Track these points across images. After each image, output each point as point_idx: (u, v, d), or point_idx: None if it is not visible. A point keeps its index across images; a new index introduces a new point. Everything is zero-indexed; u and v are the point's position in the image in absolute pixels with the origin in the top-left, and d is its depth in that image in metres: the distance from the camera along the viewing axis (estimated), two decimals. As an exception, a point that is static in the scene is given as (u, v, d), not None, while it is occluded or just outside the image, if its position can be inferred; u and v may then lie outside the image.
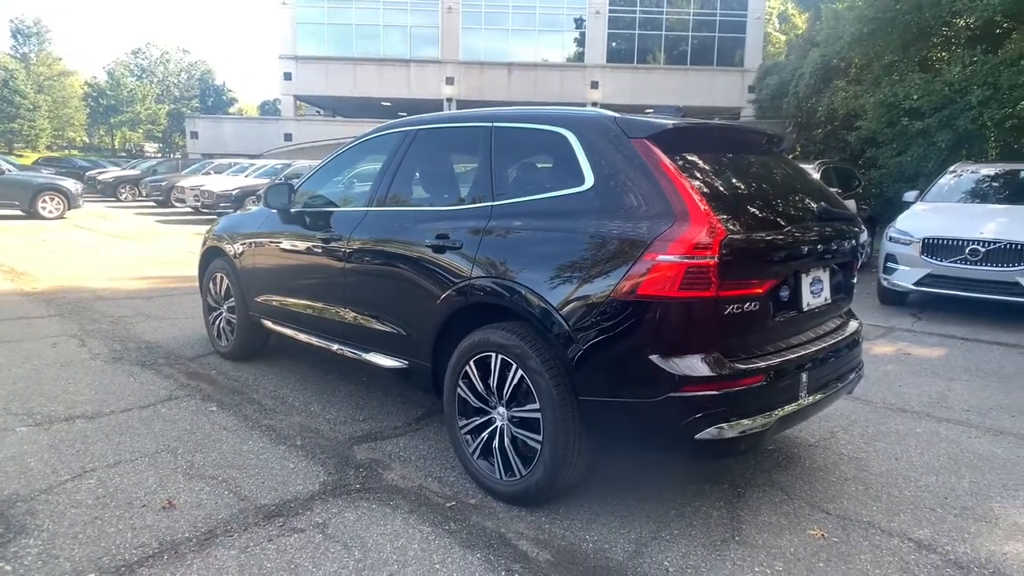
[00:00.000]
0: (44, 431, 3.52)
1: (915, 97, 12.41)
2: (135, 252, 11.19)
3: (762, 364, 2.51)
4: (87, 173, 28.34)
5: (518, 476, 2.77)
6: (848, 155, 16.21)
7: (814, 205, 2.99)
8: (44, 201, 16.51)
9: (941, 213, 7.74)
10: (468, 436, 2.98)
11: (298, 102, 38.19)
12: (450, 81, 33.25)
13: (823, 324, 2.99)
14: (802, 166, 3.59)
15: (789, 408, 2.59)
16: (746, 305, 2.45)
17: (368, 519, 2.72)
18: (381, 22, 33.72)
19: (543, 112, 3.06)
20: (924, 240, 7.16)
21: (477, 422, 2.94)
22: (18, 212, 16.51)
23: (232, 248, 4.68)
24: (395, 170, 3.54)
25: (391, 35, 33.95)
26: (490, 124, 3.18)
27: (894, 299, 7.70)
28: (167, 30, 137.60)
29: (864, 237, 3.35)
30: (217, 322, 4.99)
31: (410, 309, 3.25)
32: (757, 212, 2.63)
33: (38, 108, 48.29)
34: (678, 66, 33.83)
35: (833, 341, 2.92)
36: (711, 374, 2.38)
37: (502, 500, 2.86)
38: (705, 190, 2.51)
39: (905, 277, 7.29)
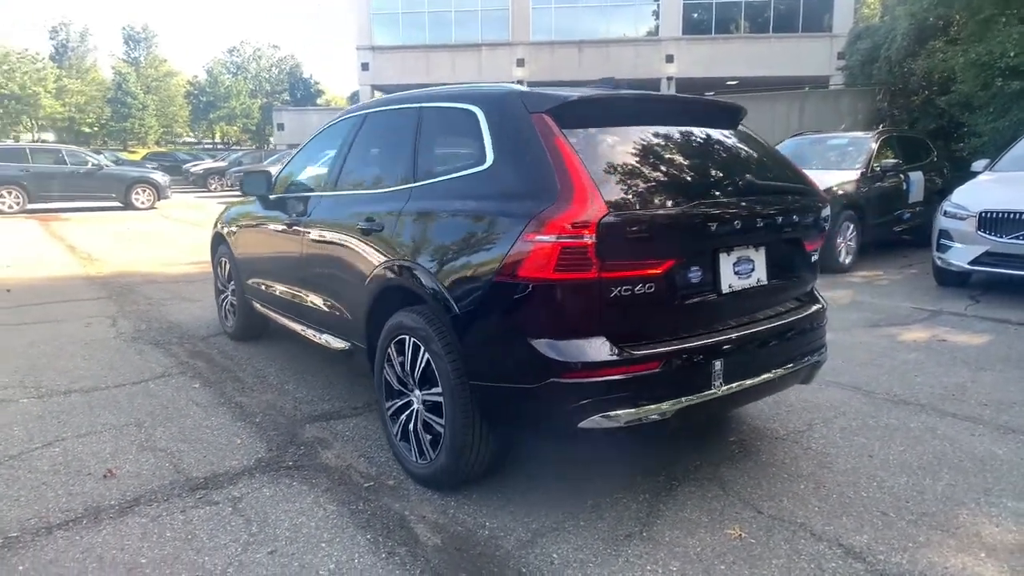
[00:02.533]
0: (41, 402, 3.82)
1: (1012, 54, 11.19)
2: (201, 238, 11.88)
3: (660, 350, 2.37)
4: (184, 166, 30.35)
5: (428, 460, 2.76)
6: (947, 122, 14.84)
7: (753, 179, 2.77)
8: (137, 193, 17.83)
9: (1006, 184, 6.97)
10: (391, 418, 2.99)
11: (376, 92, 39.21)
12: (520, 63, 33.12)
13: (761, 307, 2.78)
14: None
15: (696, 398, 2.43)
16: (638, 287, 2.30)
17: (282, 496, 2.79)
18: (453, 8, 33.97)
19: (459, 90, 3.00)
20: (981, 214, 6.49)
21: (398, 404, 2.95)
22: (116, 203, 17.91)
23: (230, 235, 4.90)
24: (344, 154, 3.59)
25: (463, 20, 34.16)
26: (418, 105, 3.15)
27: (951, 279, 7.03)
28: (259, 27, 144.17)
29: (826, 212, 3.02)
30: (224, 304, 5.24)
31: (348, 291, 3.30)
32: (662, 188, 2.45)
33: (147, 107, 52.05)
34: (760, 34, 32.13)
35: (769, 326, 2.71)
36: (594, 360, 2.27)
37: (418, 483, 2.86)
38: (601, 166, 2.38)
39: (960, 255, 6.64)
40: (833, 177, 8.07)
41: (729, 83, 32.58)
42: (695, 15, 32.50)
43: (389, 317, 2.95)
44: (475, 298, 2.45)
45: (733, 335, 2.57)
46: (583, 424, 2.29)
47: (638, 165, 2.49)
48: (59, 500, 2.74)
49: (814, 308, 2.99)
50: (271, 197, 4.26)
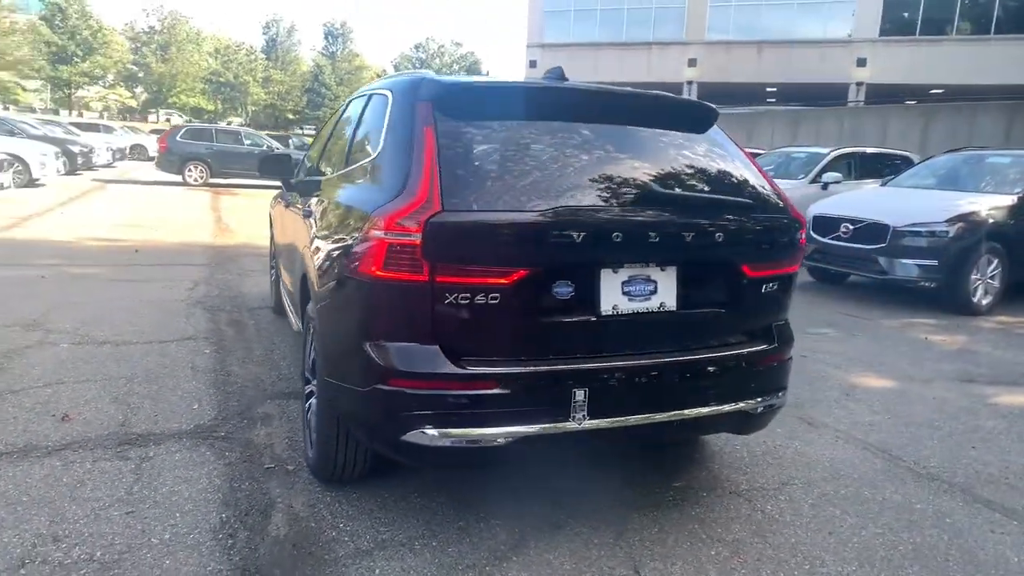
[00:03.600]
0: (75, 349, 4.30)
1: None
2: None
3: (502, 370, 2.12)
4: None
5: (311, 452, 2.73)
6: None
7: (682, 190, 2.39)
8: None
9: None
10: (305, 404, 2.99)
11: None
12: (692, 63, 31.85)
13: (671, 338, 2.38)
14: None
15: (545, 429, 2.15)
16: (479, 297, 2.07)
17: (186, 462, 2.89)
18: (625, 5, 33.48)
19: (392, 76, 2.90)
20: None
21: (306, 392, 2.94)
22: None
23: (270, 214, 5.20)
24: (327, 139, 3.64)
25: (634, 18, 33.55)
26: (369, 90, 3.10)
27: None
28: (447, 25, 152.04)
29: (792, 235, 2.52)
30: (271, 279, 5.58)
31: (295, 276, 3.34)
32: (531, 190, 2.16)
33: (339, 98, 57.17)
34: (977, 36, 28.05)
35: (670, 360, 2.32)
36: (420, 370, 2.09)
37: (310, 472, 2.83)
38: (465, 161, 2.17)
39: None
40: (980, 202, 6.86)
41: (933, 91, 28.86)
42: (904, 14, 29.11)
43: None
44: (329, 292, 2.38)
45: (610, 364, 2.23)
46: (406, 437, 2.12)
47: (513, 163, 2.24)
48: (12, 433, 3.06)
49: (758, 347, 2.52)
50: (291, 181, 4.44)
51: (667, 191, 2.33)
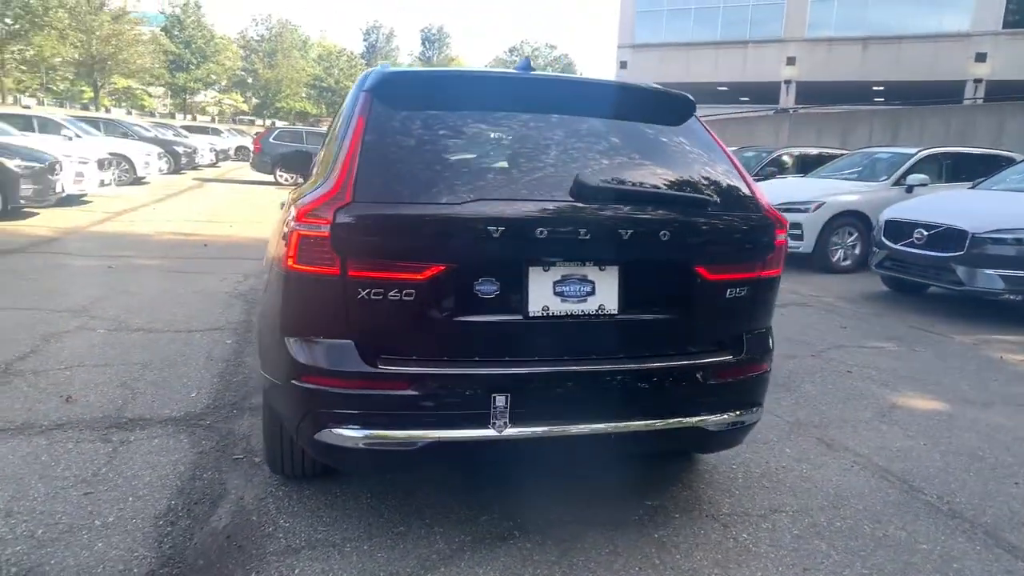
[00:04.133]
0: (110, 335, 4.55)
1: None
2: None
3: (413, 370, 2.01)
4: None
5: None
6: None
7: (634, 185, 2.20)
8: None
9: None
10: None
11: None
12: (791, 61, 30.38)
13: (617, 343, 2.19)
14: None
15: (460, 435, 2.02)
16: (393, 293, 1.97)
17: (161, 448, 2.96)
18: (721, 4, 32.44)
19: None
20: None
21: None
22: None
23: None
24: (327, 134, 3.65)
25: (730, 16, 32.44)
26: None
27: None
28: (539, 27, 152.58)
29: (764, 237, 2.25)
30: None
31: None
32: (454, 183, 2.03)
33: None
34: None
35: (610, 368, 2.13)
36: (331, 367, 2.02)
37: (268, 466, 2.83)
38: (390, 152, 2.08)
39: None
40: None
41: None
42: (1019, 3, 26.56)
43: None
44: (264, 285, 2.35)
45: (536, 369, 2.08)
46: (318, 436, 2.06)
47: (443, 154, 2.13)
48: (17, 412, 3.24)
49: (720, 358, 2.27)
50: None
51: (611, 186, 2.14)
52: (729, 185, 2.33)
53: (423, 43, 64.55)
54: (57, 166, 10.05)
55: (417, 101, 2.25)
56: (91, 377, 3.75)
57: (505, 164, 2.16)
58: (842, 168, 10.07)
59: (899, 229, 6.65)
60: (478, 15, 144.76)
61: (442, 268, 1.98)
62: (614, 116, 2.40)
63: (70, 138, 14.48)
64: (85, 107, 40.65)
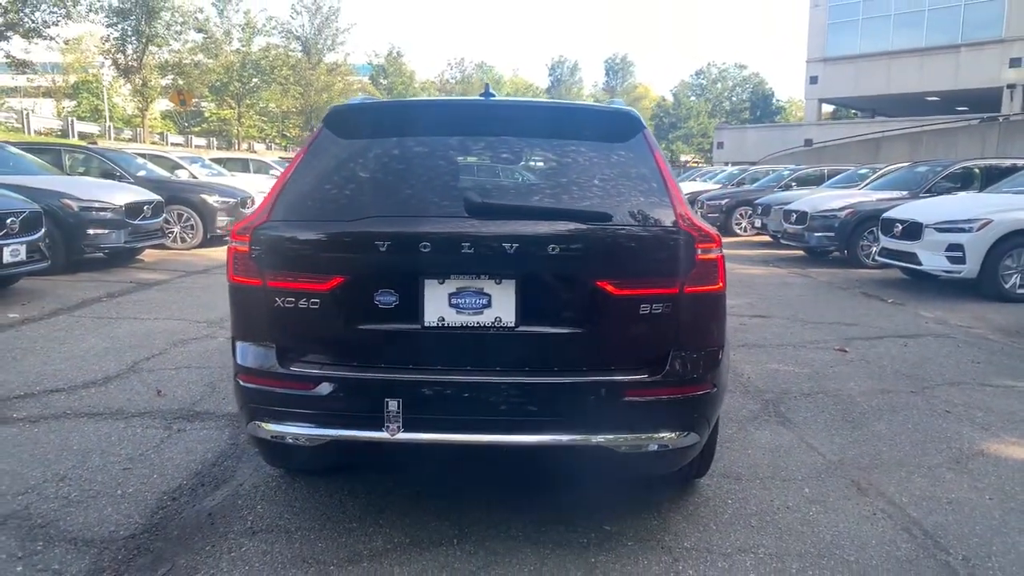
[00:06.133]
0: (225, 343, 5.29)
1: None
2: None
3: (315, 372, 2.20)
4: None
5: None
6: None
7: (526, 201, 2.24)
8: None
9: None
10: None
11: (827, 105, 36.64)
12: (1015, 63, 26.40)
13: (521, 355, 2.19)
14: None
15: (355, 435, 2.17)
16: (302, 301, 2.19)
17: (204, 439, 3.44)
18: (926, 6, 29.22)
19: None
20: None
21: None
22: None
23: None
24: None
25: (938, 18, 29.06)
26: None
27: None
28: (728, 48, 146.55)
29: (679, 251, 2.07)
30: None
31: None
32: (360, 202, 2.23)
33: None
34: None
35: (505, 380, 2.14)
36: (254, 367, 2.28)
37: (274, 458, 3.17)
38: (314, 177, 2.33)
39: None
40: None
41: None
42: None
43: None
44: None
45: (429, 377, 2.16)
46: (248, 429, 2.33)
47: (357, 177, 2.32)
48: (118, 400, 3.94)
49: (633, 376, 2.17)
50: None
51: (498, 202, 2.18)
52: (647, 200, 2.25)
53: (607, 73, 65.69)
54: (249, 200, 11.81)
55: (361, 129, 2.48)
56: (189, 376, 4.43)
57: (413, 184, 2.30)
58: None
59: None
60: (665, 40, 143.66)
61: (341, 280, 2.18)
62: (549, 136, 2.44)
63: (276, 176, 16.89)
64: (305, 151, 46.94)
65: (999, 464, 3.26)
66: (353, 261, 2.19)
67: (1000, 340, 5.73)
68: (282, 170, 13.45)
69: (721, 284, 2.27)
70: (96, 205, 8.38)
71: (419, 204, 2.24)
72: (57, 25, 27.45)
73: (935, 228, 7.50)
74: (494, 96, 2.73)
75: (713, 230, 2.27)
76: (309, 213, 2.25)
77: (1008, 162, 10.39)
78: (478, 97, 2.76)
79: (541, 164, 2.39)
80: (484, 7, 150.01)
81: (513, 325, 2.18)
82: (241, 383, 2.33)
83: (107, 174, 10.71)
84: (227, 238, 2.42)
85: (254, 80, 40.10)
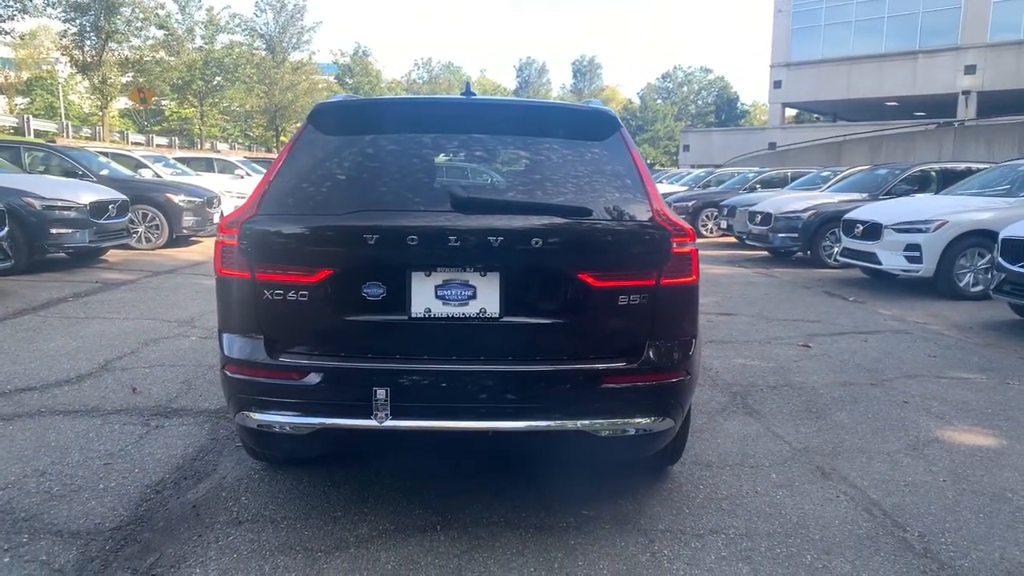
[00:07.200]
0: (198, 342, 5.27)
1: None
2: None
3: (304, 362, 2.26)
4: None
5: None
6: None
7: (508, 196, 2.33)
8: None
9: None
10: None
11: (790, 110, 37.47)
12: (970, 70, 27.36)
13: (505, 345, 2.29)
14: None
15: (344, 424, 2.23)
16: (290, 294, 2.25)
17: (184, 435, 3.44)
18: (885, 13, 30.11)
19: None
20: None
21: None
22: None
23: None
24: None
25: (897, 26, 30.00)
26: None
27: None
28: (694, 52, 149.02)
29: (652, 247, 2.16)
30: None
31: None
32: (346, 197, 2.29)
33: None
34: None
35: (490, 367, 2.23)
36: (243, 358, 2.33)
37: (257, 451, 3.20)
38: (301, 171, 2.38)
39: None
40: None
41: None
42: None
43: None
44: None
45: (417, 366, 2.24)
46: (236, 419, 2.37)
47: (344, 172, 2.38)
48: (93, 398, 3.92)
49: (611, 364, 2.28)
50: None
51: (482, 197, 2.28)
52: (624, 196, 2.36)
53: (574, 75, 66.23)
54: (215, 200, 11.67)
55: (345, 126, 2.54)
56: (164, 374, 4.42)
57: (399, 179, 2.37)
58: (987, 183, 8.96)
59: (1019, 249, 5.86)
60: (630, 45, 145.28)
61: (329, 272, 2.24)
62: (531, 133, 2.53)
63: (241, 176, 16.68)
64: (268, 149, 46.25)
65: (952, 450, 3.45)
66: (341, 254, 2.25)
67: (954, 336, 6.00)
68: (246, 170, 13.36)
69: (695, 276, 2.39)
70: (59, 204, 8.22)
71: (406, 199, 2.31)
72: (13, 19, 26.65)
73: (894, 229, 7.79)
74: (475, 95, 2.82)
75: (687, 225, 2.39)
76: (297, 207, 2.31)
77: (963, 165, 10.81)
78: (460, 95, 2.84)
79: (524, 160, 2.48)
80: (451, 7, 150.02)
81: (497, 316, 2.27)
82: (229, 374, 2.37)
83: (69, 173, 10.50)
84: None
85: (217, 78, 39.41)
